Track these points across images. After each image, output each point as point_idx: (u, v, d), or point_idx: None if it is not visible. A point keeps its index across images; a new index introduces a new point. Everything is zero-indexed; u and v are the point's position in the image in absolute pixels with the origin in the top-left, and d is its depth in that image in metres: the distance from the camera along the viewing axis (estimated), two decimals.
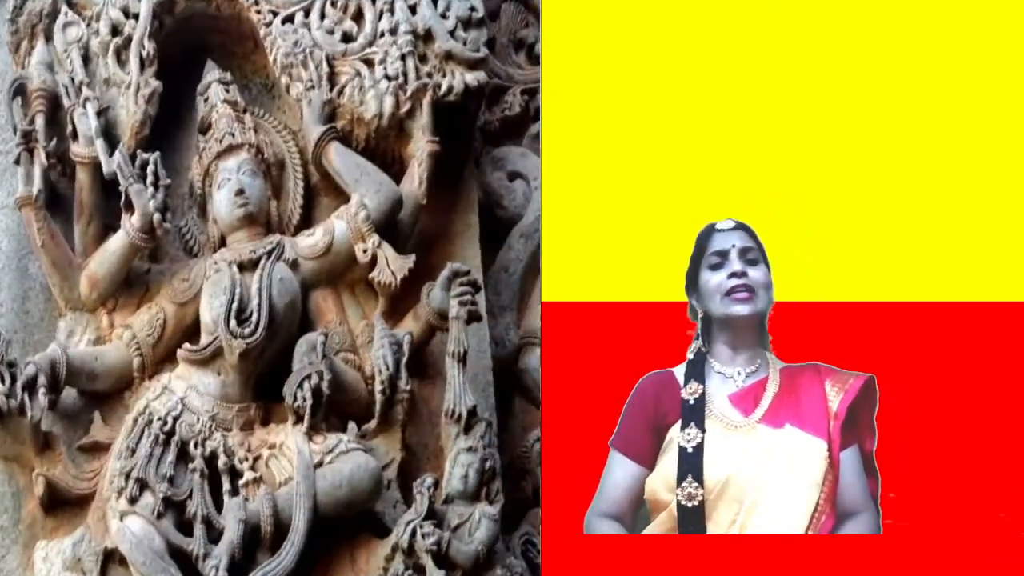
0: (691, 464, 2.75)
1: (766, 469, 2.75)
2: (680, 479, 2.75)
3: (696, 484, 2.73)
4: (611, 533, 2.82)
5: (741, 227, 2.90)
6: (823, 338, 2.94)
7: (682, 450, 2.77)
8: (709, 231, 2.91)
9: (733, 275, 2.84)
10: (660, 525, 2.80)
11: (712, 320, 2.88)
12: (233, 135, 3.46)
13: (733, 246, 2.86)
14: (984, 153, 3.07)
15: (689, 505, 2.73)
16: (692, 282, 2.90)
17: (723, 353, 2.88)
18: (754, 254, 2.87)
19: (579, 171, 3.13)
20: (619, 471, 2.86)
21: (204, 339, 3.25)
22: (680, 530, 2.75)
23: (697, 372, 2.86)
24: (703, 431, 2.78)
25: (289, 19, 3.54)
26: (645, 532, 2.83)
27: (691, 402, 2.82)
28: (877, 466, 2.84)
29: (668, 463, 2.79)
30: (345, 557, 3.13)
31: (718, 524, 2.74)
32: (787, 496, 2.74)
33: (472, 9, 3.57)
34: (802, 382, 2.85)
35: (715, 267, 2.86)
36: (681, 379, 2.88)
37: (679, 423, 2.81)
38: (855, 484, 2.79)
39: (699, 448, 2.76)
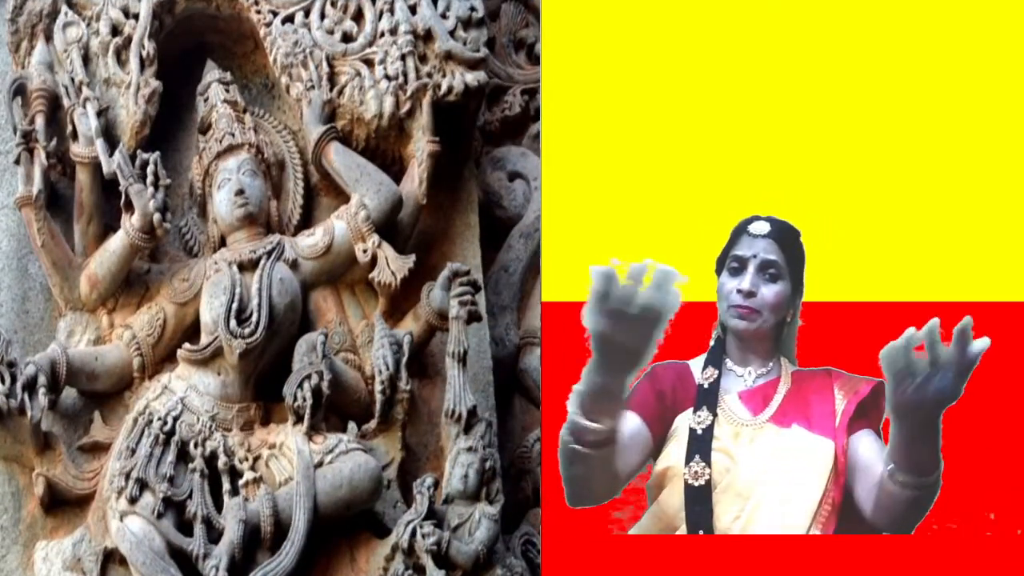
0: (700, 445, 2.75)
1: (772, 467, 2.75)
2: (688, 458, 2.75)
3: (703, 464, 2.74)
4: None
5: (774, 234, 2.85)
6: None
7: (692, 431, 2.78)
8: (742, 229, 2.87)
9: (740, 292, 2.83)
10: (664, 501, 2.79)
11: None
12: (233, 135, 3.46)
13: (755, 256, 2.84)
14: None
15: (696, 484, 2.74)
16: (719, 268, 2.89)
17: (734, 353, 2.89)
18: (776, 269, 2.83)
19: (579, 171, 3.13)
20: (625, 421, 2.82)
21: (204, 339, 3.25)
22: (686, 508, 2.75)
23: (716, 359, 2.87)
24: (714, 415, 2.78)
25: (289, 19, 3.54)
26: (649, 510, 2.83)
27: (705, 386, 2.83)
28: None
29: (676, 447, 2.80)
30: (345, 557, 3.13)
31: (721, 519, 2.74)
32: (792, 495, 2.74)
33: (472, 9, 3.57)
34: (813, 385, 2.85)
35: (732, 272, 2.85)
36: (696, 369, 2.88)
37: (690, 409, 2.81)
38: (872, 446, 2.76)
39: (708, 430, 2.77)
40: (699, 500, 2.73)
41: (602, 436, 2.71)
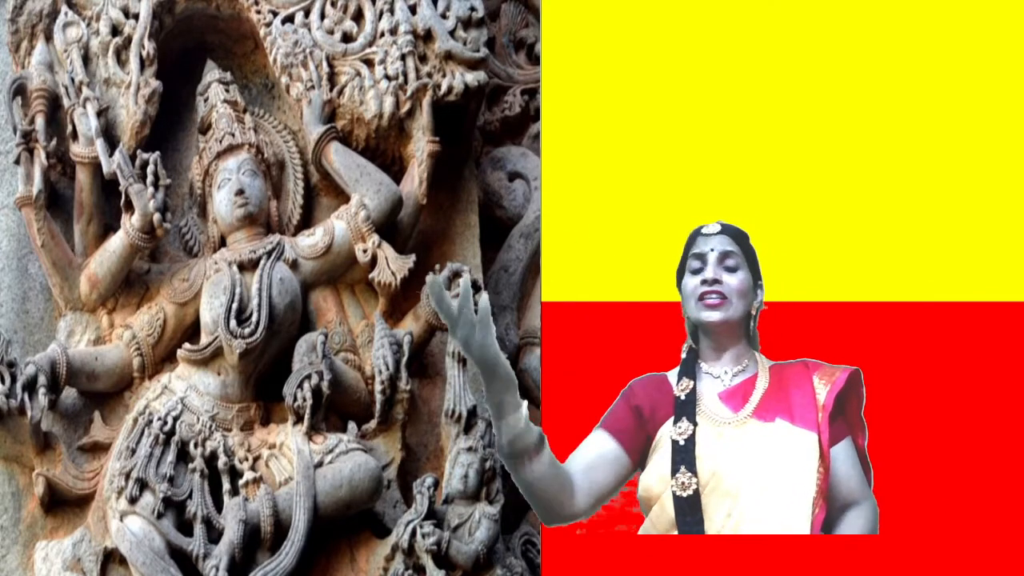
0: (684, 455, 2.76)
1: (758, 463, 2.75)
2: (674, 470, 2.75)
3: (690, 474, 2.74)
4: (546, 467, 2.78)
5: (726, 231, 2.89)
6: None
7: (674, 443, 2.78)
8: (695, 234, 2.91)
9: (705, 281, 2.84)
10: (655, 518, 2.80)
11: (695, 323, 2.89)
12: (233, 135, 3.46)
13: (712, 250, 2.85)
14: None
15: (684, 495, 2.74)
16: (679, 283, 2.91)
17: (709, 355, 2.89)
18: (734, 260, 2.86)
19: (579, 171, 3.13)
20: (591, 439, 2.85)
21: (204, 339, 3.25)
22: (676, 520, 2.75)
23: (689, 370, 2.87)
24: (695, 424, 2.79)
25: (289, 19, 3.54)
26: (642, 529, 2.84)
27: (683, 397, 2.83)
28: (869, 460, 2.85)
29: (661, 459, 2.80)
30: (345, 557, 3.13)
31: (713, 519, 2.74)
32: (780, 489, 2.74)
33: (472, 9, 3.57)
34: (791, 377, 2.85)
35: (694, 271, 2.86)
36: (673, 380, 2.88)
37: (670, 421, 2.82)
38: (852, 476, 2.80)
39: (691, 440, 2.77)
40: (689, 510, 2.73)
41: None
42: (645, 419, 2.85)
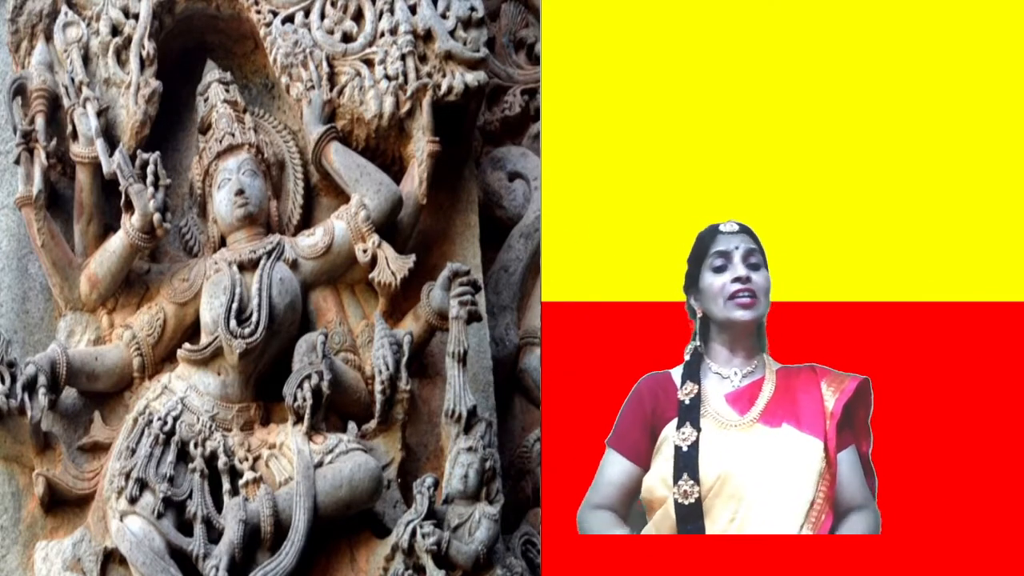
0: (687, 462, 2.76)
1: (763, 467, 2.75)
2: (676, 477, 2.75)
3: (692, 482, 2.74)
4: (603, 524, 2.83)
5: (744, 230, 2.90)
6: (820, 338, 2.94)
7: (677, 449, 2.78)
8: (712, 232, 2.90)
9: (737, 279, 2.83)
10: (658, 523, 2.80)
11: (711, 322, 2.88)
12: (233, 135, 3.46)
13: (737, 248, 2.86)
14: (980, 153, 3.07)
15: (685, 503, 2.74)
16: (693, 282, 2.90)
17: (720, 354, 2.89)
18: (756, 258, 2.87)
19: (579, 171, 3.13)
20: (613, 467, 2.87)
21: (204, 339, 3.25)
22: (678, 527, 2.75)
23: (693, 372, 2.87)
24: (698, 430, 2.79)
25: (289, 19, 3.54)
26: (644, 531, 2.84)
27: (687, 402, 2.83)
28: (874, 467, 2.85)
29: (663, 462, 2.80)
30: (345, 557, 3.13)
31: (716, 522, 2.74)
32: (785, 494, 2.75)
33: (472, 9, 3.57)
34: (799, 383, 2.85)
35: (718, 269, 2.86)
36: (678, 380, 2.88)
37: (674, 422, 2.81)
38: (854, 481, 2.80)
39: (694, 446, 2.77)
40: (690, 518, 2.73)
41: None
42: (653, 425, 2.85)
